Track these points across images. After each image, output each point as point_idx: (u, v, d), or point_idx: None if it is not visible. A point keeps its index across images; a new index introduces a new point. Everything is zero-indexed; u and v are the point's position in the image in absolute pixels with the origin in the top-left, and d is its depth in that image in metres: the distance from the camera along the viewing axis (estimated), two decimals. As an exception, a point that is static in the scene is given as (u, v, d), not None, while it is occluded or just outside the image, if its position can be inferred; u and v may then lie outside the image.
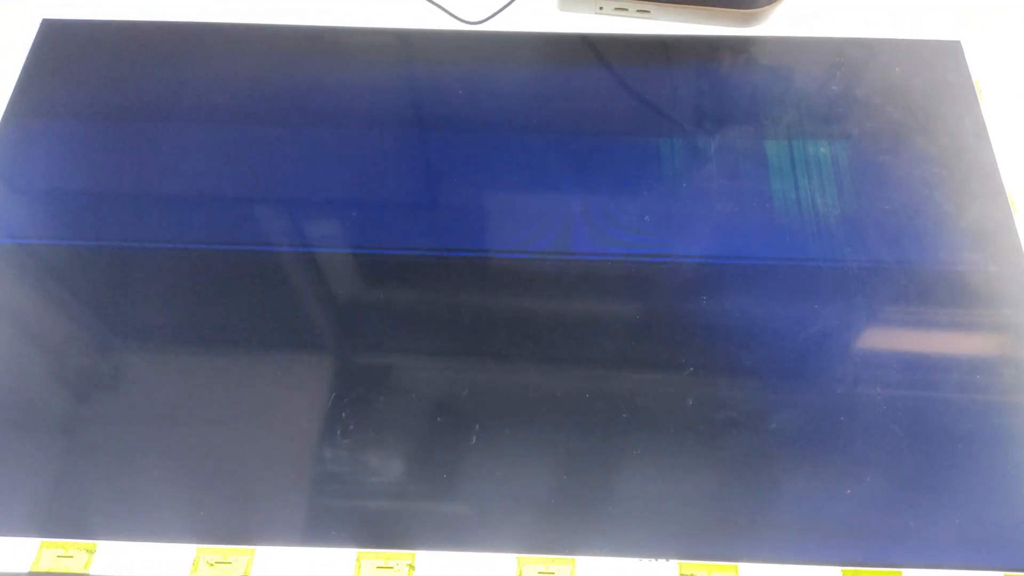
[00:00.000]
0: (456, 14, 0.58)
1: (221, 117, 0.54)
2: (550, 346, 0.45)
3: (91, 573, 0.39)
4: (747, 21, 0.57)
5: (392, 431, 0.42)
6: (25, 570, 0.39)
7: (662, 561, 0.39)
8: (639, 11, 0.57)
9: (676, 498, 0.41)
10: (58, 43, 0.57)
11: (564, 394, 0.43)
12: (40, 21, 0.57)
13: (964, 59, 0.56)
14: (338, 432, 0.42)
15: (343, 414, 0.43)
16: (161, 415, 0.43)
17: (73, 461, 0.42)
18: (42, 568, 0.39)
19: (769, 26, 0.57)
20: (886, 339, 0.45)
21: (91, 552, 0.40)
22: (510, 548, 0.40)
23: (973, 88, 0.54)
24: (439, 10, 0.58)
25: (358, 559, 0.39)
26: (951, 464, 0.41)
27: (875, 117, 0.53)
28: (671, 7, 0.57)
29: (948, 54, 0.56)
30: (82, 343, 0.45)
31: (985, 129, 0.53)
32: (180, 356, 0.45)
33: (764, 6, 0.56)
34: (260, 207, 0.50)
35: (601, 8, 0.58)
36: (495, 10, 0.57)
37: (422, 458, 0.42)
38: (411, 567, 0.39)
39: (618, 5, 0.57)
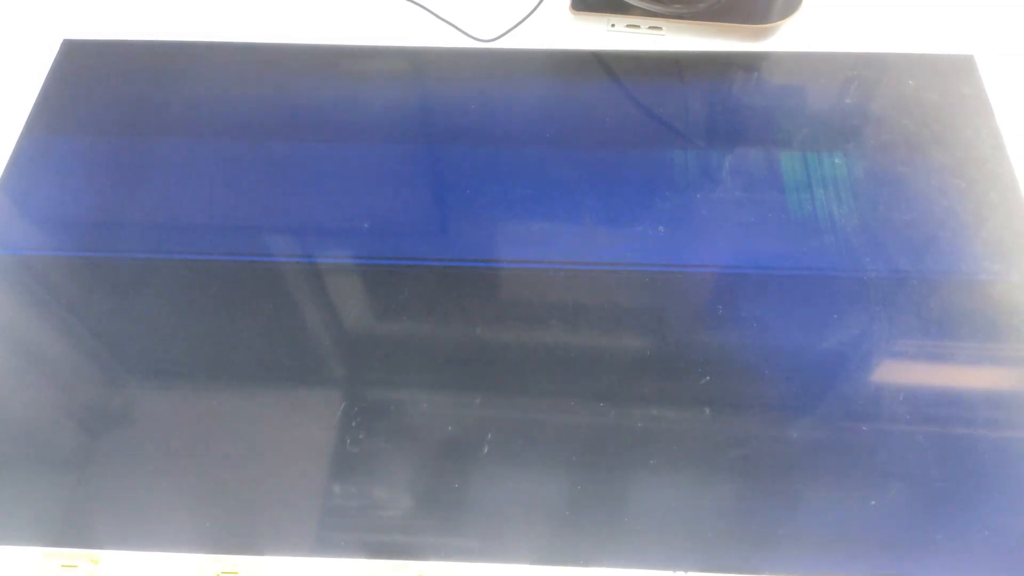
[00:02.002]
0: (470, 32, 0.58)
1: (238, 133, 0.54)
2: (564, 355, 0.44)
3: (95, 583, 0.38)
4: (759, 37, 0.57)
5: (403, 441, 0.42)
6: (28, 579, 0.38)
7: (680, 573, 0.38)
8: (651, 28, 0.58)
9: (694, 509, 0.40)
10: (78, 62, 0.58)
11: (578, 403, 0.43)
12: (61, 41, 0.59)
13: (978, 73, 0.56)
14: (348, 442, 0.42)
15: (353, 423, 0.42)
16: (168, 424, 0.42)
17: (79, 469, 0.41)
18: (45, 578, 0.39)
19: (781, 42, 0.58)
20: (907, 349, 0.44)
21: (95, 562, 0.39)
22: (523, 560, 0.39)
23: (988, 101, 0.54)
24: (454, 29, 0.58)
25: (367, 569, 0.38)
26: (979, 476, 0.40)
27: (890, 130, 0.53)
28: (683, 24, 0.57)
29: (962, 68, 0.56)
30: (94, 353, 0.45)
31: (1002, 141, 0.52)
32: (191, 366, 0.44)
33: (775, 22, 0.56)
34: (277, 220, 0.50)
35: (613, 25, 0.58)
36: (507, 28, 0.58)
37: (433, 468, 0.41)
38: (421, 579, 0.38)
39: (630, 22, 0.58)
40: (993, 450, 0.41)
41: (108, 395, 0.43)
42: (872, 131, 0.53)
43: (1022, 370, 0.43)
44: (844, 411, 0.42)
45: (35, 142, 0.54)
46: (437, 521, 0.39)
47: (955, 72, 0.56)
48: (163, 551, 0.39)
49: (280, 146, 0.53)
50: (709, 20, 0.57)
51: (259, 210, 0.50)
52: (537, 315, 0.46)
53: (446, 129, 0.54)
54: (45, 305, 0.47)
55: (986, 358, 0.44)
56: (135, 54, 0.58)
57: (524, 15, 0.58)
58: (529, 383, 0.43)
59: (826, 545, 0.39)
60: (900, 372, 0.43)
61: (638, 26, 0.58)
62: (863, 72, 0.56)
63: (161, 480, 0.41)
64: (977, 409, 0.42)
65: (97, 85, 0.57)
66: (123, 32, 0.59)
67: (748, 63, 0.57)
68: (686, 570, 0.38)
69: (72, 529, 0.40)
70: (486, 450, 0.41)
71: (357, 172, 0.52)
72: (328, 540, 0.39)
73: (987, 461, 0.41)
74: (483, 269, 0.48)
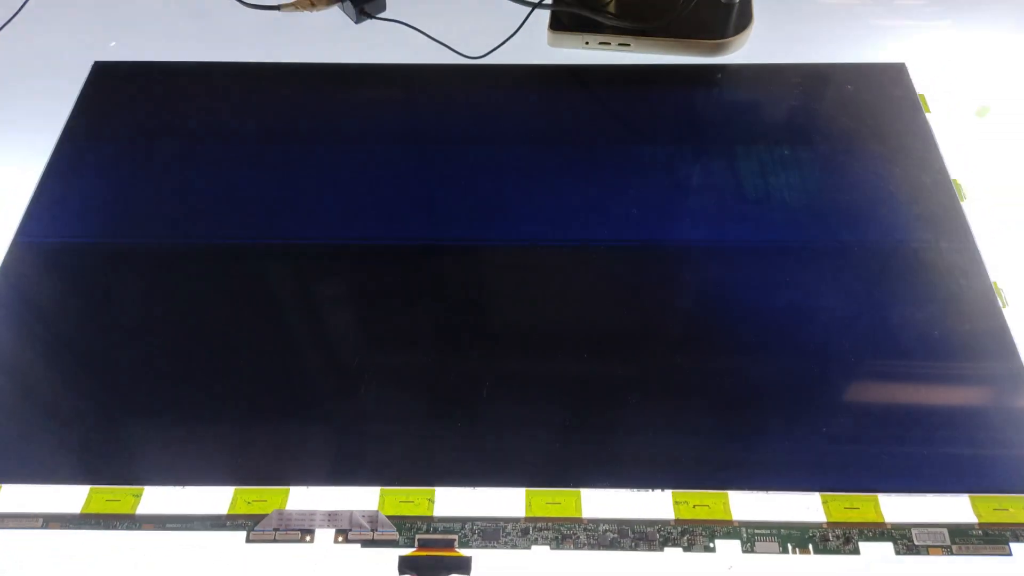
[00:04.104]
0: (460, 51, 0.65)
1: (250, 140, 0.60)
2: (553, 313, 0.50)
3: (137, 513, 0.43)
4: (716, 51, 0.65)
5: (411, 387, 0.47)
6: (77, 511, 0.43)
7: (658, 492, 0.43)
8: (620, 44, 0.65)
9: (670, 438, 0.45)
10: (108, 81, 0.64)
11: (566, 354, 0.48)
12: (92, 63, 0.65)
13: (909, 77, 0.63)
14: (362, 389, 0.47)
15: (366, 375, 0.47)
16: (199, 374, 0.48)
17: (120, 416, 0.46)
18: (92, 510, 0.43)
19: (736, 55, 0.65)
20: (850, 302, 0.50)
21: (138, 496, 0.43)
22: (520, 483, 0.44)
23: (918, 101, 0.62)
24: (446, 48, 0.65)
25: (382, 495, 0.43)
26: (916, 404, 0.46)
27: (832, 126, 0.60)
28: (648, 40, 0.65)
29: (895, 74, 0.64)
30: (127, 311, 0.50)
31: (931, 133, 0.59)
32: (220, 324, 0.50)
33: (729, 37, 0.64)
34: (288, 211, 0.56)
35: (587, 43, 0.66)
36: (493, 46, 0.65)
37: (439, 409, 0.46)
38: (430, 501, 0.43)
39: (602, 40, 0.65)
40: (929, 384, 0.47)
41: (146, 355, 0.48)
42: (816, 128, 0.60)
43: (950, 316, 0.49)
44: (797, 355, 0.48)
45: (70, 148, 0.60)
46: (445, 453, 0.45)
47: (889, 77, 0.63)
48: (197, 486, 0.44)
49: (291, 150, 0.60)
50: (672, 37, 0.64)
51: (272, 203, 0.56)
52: (525, 283, 0.52)
53: (441, 133, 0.61)
54: (79, 280, 0.52)
55: (919, 309, 0.50)
56: (158, 73, 0.65)
57: (508, 35, 0.65)
58: (522, 338, 0.49)
59: (787, 465, 0.44)
60: (844, 322, 0.49)
61: (609, 43, 0.65)
62: (808, 79, 0.64)
63: (195, 426, 0.46)
64: (912, 350, 0.48)
65: (124, 100, 0.63)
66: (147, 55, 0.66)
67: (707, 73, 0.64)
68: (663, 488, 0.43)
69: (117, 469, 0.44)
70: (485, 394, 0.47)
71: (362, 170, 0.58)
72: (347, 472, 0.44)
73: (924, 394, 0.46)
74: (478, 248, 0.54)
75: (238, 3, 0.69)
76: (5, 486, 0.44)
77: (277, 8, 0.68)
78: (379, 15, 0.68)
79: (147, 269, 0.53)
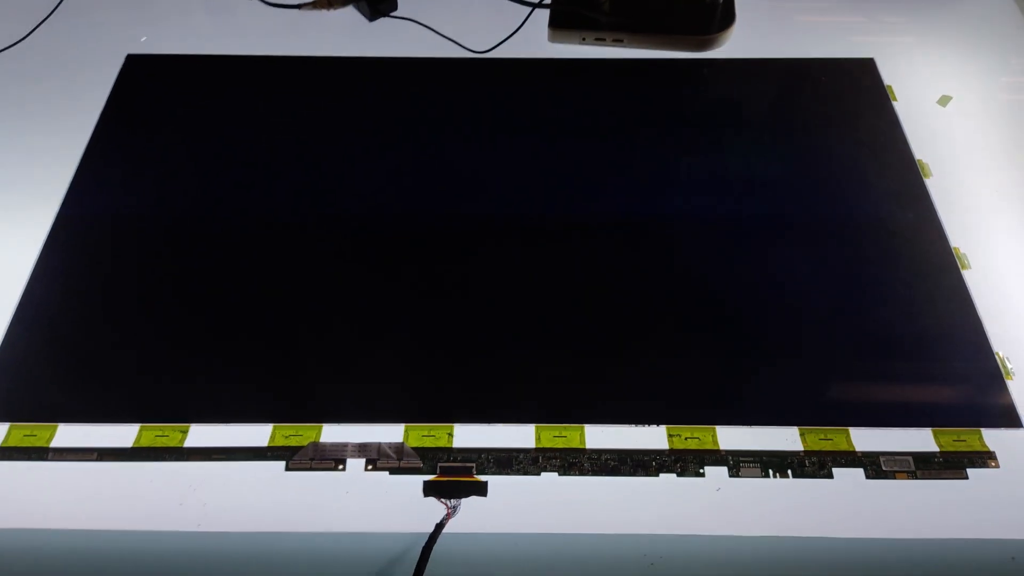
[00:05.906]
0: (467, 46, 0.71)
1: (274, 130, 0.65)
2: (559, 276, 0.55)
3: (184, 446, 0.47)
4: (702, 46, 0.71)
5: (432, 336, 0.52)
6: (129, 445, 0.47)
7: (653, 427, 0.48)
8: (614, 40, 0.71)
9: (664, 381, 0.50)
10: (139, 72, 0.69)
11: (573, 309, 0.53)
12: (125, 56, 0.70)
13: (877, 71, 0.69)
14: (385, 336, 0.52)
15: (392, 326, 0.52)
16: (240, 326, 0.52)
17: (168, 362, 0.51)
18: (142, 445, 0.47)
19: (721, 51, 0.71)
20: (826, 266, 0.56)
21: (184, 432, 0.48)
22: (530, 421, 0.48)
23: (886, 91, 0.68)
24: (453, 43, 0.71)
25: (406, 430, 0.48)
26: (884, 349, 0.51)
27: (807, 114, 0.66)
28: (640, 36, 0.70)
29: (864, 68, 0.70)
30: (173, 272, 0.55)
31: (898, 119, 0.65)
32: (258, 284, 0.54)
33: (714, 34, 0.70)
34: (310, 188, 0.61)
35: (584, 39, 0.71)
36: (498, 42, 0.71)
37: (458, 356, 0.51)
38: (450, 435, 0.48)
39: (598, 36, 0.71)
40: (894, 335, 0.52)
41: (190, 311, 0.53)
42: (793, 115, 0.66)
43: (916, 277, 0.55)
44: (780, 308, 0.53)
45: (106, 132, 0.64)
46: (463, 394, 0.49)
47: (859, 71, 0.69)
48: (239, 423, 0.48)
49: (311, 135, 0.64)
50: (662, 33, 0.70)
51: (292, 182, 0.61)
52: (533, 250, 0.57)
53: (450, 121, 0.66)
54: (121, 245, 0.57)
55: (888, 271, 0.55)
56: (185, 65, 0.70)
57: (511, 31, 0.71)
58: (532, 295, 0.54)
59: (768, 403, 0.49)
60: (822, 283, 0.55)
61: (604, 39, 0.71)
62: (785, 72, 0.69)
63: (236, 367, 0.50)
64: (881, 304, 0.53)
65: (154, 89, 0.68)
66: (175, 49, 0.71)
67: (694, 66, 0.70)
68: (658, 424, 0.48)
69: (165, 408, 0.49)
70: (497, 342, 0.51)
71: (378, 154, 0.63)
72: (374, 411, 0.49)
73: (892, 340, 0.52)
74: (492, 218, 0.59)
75: (260, 2, 0.74)
76: (63, 425, 0.48)
77: (297, 7, 0.74)
78: (392, 13, 0.73)
79: (181, 237, 0.58)
